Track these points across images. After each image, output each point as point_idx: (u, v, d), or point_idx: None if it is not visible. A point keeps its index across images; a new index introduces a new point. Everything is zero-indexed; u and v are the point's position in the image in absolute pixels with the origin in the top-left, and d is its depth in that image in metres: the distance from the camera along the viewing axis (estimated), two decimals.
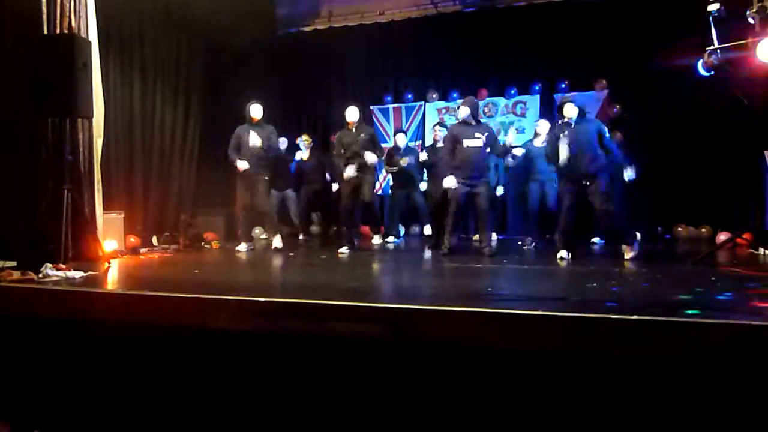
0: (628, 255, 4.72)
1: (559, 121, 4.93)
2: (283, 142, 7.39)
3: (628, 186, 5.12)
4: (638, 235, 4.90)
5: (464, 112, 5.30)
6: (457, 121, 5.52)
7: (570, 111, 4.83)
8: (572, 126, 4.81)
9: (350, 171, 5.65)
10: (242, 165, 5.82)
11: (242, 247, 5.96)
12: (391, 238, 6.93)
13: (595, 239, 6.50)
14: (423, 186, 6.93)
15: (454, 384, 2.48)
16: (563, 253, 4.85)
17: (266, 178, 6.00)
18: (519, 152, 6.31)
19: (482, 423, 2.43)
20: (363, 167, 5.67)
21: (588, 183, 4.72)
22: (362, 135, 5.76)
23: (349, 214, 5.86)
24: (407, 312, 2.54)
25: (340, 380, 2.63)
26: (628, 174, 4.85)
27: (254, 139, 5.86)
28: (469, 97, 5.59)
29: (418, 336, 2.52)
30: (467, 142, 5.21)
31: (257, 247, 6.40)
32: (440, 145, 6.26)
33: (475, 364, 2.45)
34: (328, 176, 7.54)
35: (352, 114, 5.81)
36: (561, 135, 4.80)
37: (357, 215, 6.06)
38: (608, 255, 4.95)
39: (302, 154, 7.48)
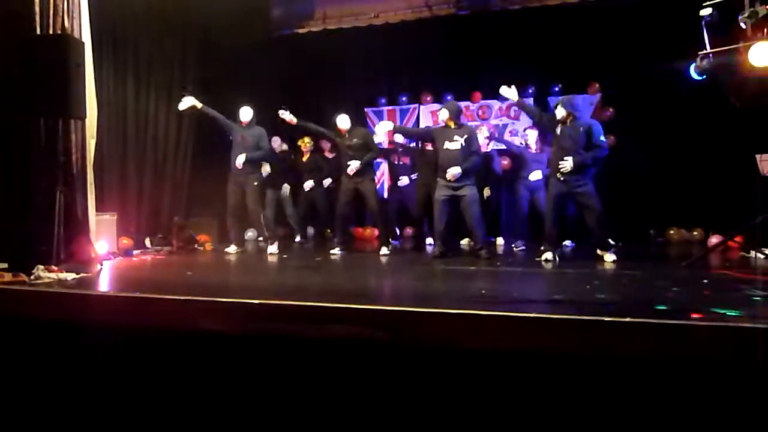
0: (609, 258, 4.74)
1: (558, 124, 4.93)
2: (276, 141, 7.36)
3: (618, 186, 5.10)
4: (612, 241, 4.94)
5: (444, 115, 5.32)
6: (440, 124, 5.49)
7: (560, 112, 4.85)
8: (565, 125, 4.83)
9: (351, 168, 5.67)
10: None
11: (232, 248, 5.96)
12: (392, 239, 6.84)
13: (566, 242, 6.45)
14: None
15: (452, 387, 2.48)
16: (548, 255, 4.86)
17: (256, 183, 5.98)
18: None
19: (480, 426, 2.43)
20: (360, 172, 5.70)
21: (576, 185, 4.76)
22: (355, 140, 5.76)
23: (343, 220, 5.92)
24: (404, 315, 2.54)
25: (337, 384, 2.62)
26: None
27: (244, 141, 5.89)
28: (450, 101, 5.60)
29: (414, 338, 2.51)
30: (447, 145, 5.19)
31: (249, 250, 6.37)
32: (429, 148, 6.27)
33: (472, 367, 2.45)
34: (327, 181, 7.46)
35: (342, 121, 5.84)
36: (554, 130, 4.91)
37: (350, 221, 6.05)
38: (591, 258, 4.96)
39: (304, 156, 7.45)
